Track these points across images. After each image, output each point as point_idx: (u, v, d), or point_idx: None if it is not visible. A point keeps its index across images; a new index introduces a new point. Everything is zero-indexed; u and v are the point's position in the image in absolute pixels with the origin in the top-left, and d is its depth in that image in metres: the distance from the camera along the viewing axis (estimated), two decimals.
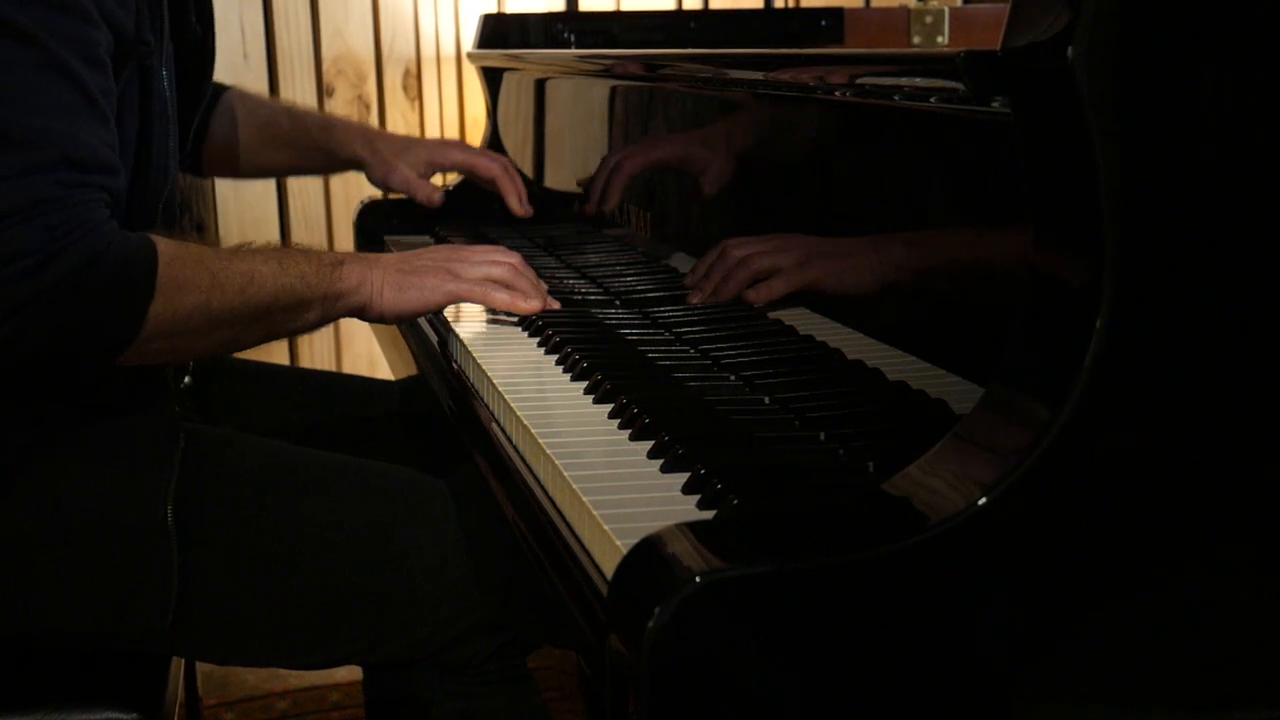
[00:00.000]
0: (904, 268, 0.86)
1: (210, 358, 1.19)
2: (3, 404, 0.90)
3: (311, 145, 1.36)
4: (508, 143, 1.72)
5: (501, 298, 1.07)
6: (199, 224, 2.06)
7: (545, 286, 1.12)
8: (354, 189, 2.16)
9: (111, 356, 0.86)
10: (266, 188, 2.19)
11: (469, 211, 1.56)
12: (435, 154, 1.39)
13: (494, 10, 2.22)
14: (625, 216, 1.34)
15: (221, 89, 1.33)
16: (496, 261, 1.08)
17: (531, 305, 1.08)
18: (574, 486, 0.74)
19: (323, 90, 2.19)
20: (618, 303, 1.17)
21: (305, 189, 2.20)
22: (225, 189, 2.15)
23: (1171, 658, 0.63)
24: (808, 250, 0.99)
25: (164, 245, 0.87)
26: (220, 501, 0.94)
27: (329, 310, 0.99)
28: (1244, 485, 0.63)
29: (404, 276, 1.02)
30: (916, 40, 1.33)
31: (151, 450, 0.92)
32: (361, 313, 1.02)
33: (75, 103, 0.83)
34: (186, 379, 1.12)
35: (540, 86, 1.60)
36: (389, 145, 1.37)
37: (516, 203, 1.38)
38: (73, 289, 0.81)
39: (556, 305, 1.11)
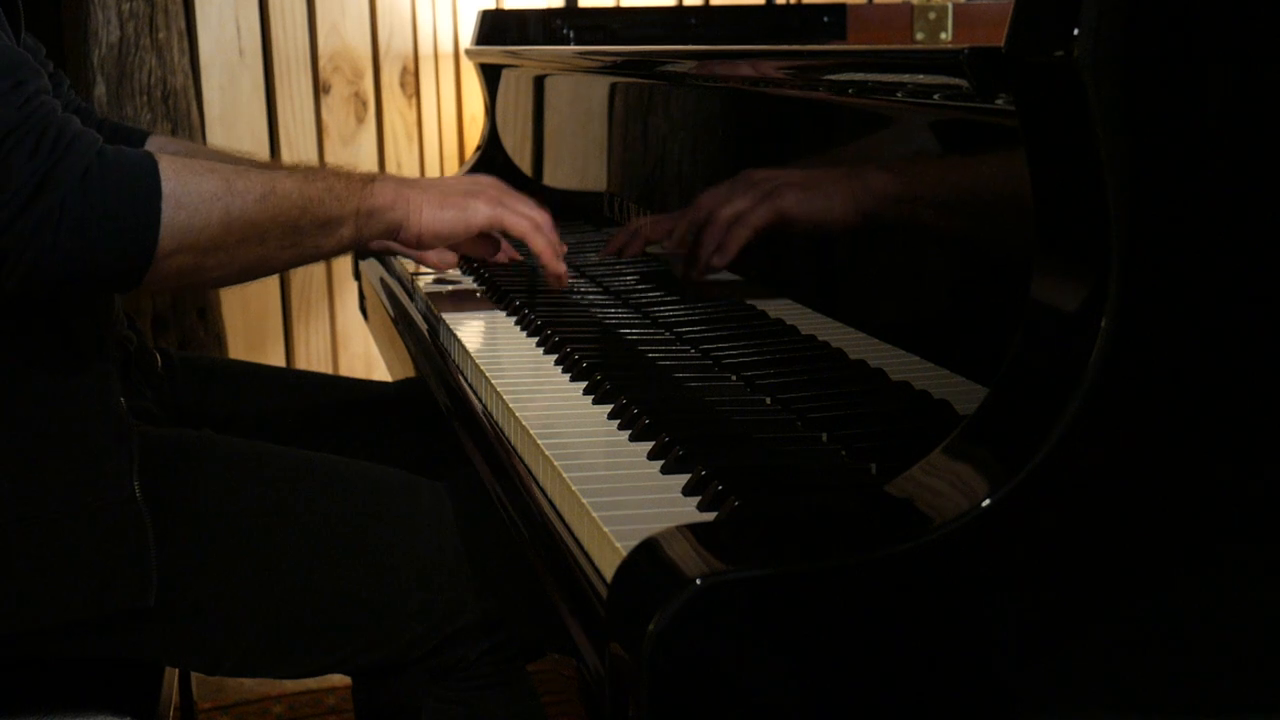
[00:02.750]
0: (892, 259, 0.85)
1: (200, 357, 1.17)
2: None
3: None
4: (506, 141, 1.71)
5: (542, 241, 1.04)
6: None
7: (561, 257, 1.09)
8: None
9: (134, 274, 0.81)
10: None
11: None
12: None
13: (492, 6, 2.21)
14: (625, 215, 1.33)
15: (142, 135, 1.25)
16: (537, 209, 1.05)
17: (560, 267, 1.05)
18: (573, 488, 0.73)
19: (319, 88, 2.18)
20: (618, 302, 1.17)
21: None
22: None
23: (1176, 660, 0.63)
24: (773, 182, 0.97)
25: (163, 157, 0.82)
26: (204, 501, 0.92)
27: (362, 227, 0.93)
28: (1248, 487, 0.62)
29: (445, 196, 0.98)
30: (920, 37, 1.32)
31: (107, 429, 0.88)
32: (398, 232, 0.97)
33: None
34: (160, 368, 1.09)
35: (539, 83, 1.59)
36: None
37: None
38: (79, 202, 0.76)
39: (566, 282, 1.09)
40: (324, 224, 0.90)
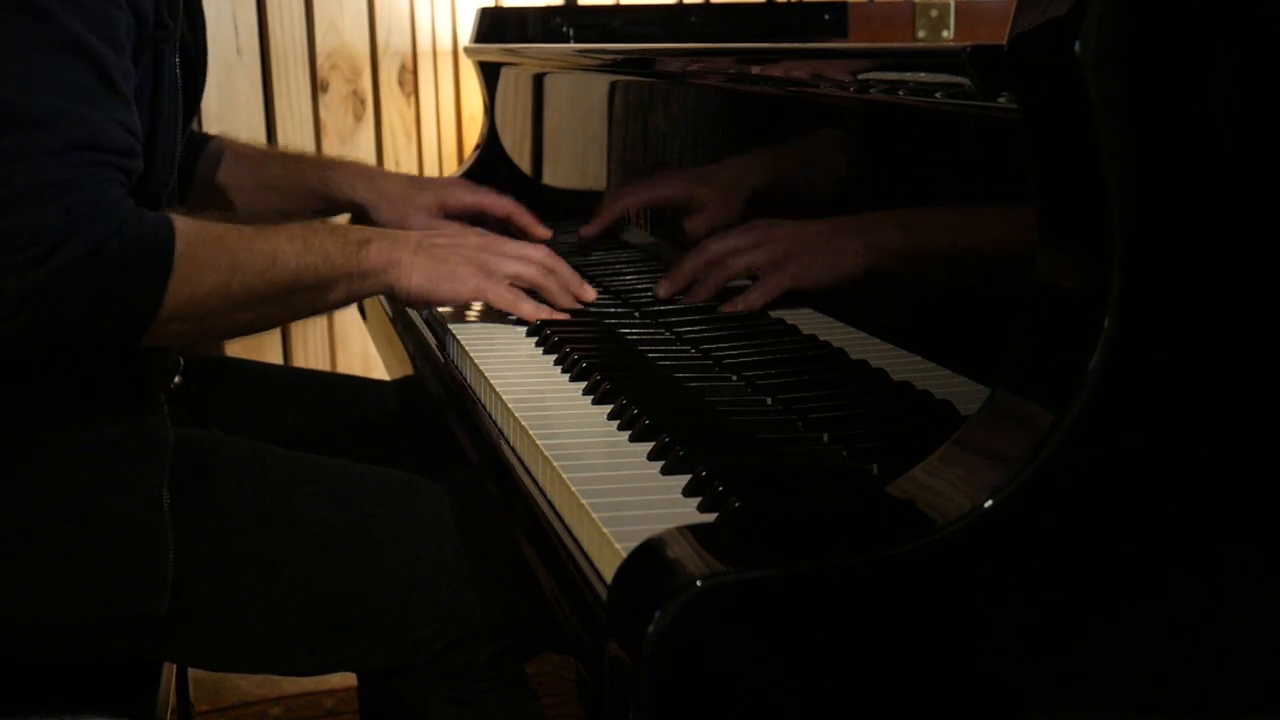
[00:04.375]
0: (894, 259, 0.85)
1: (202, 355, 1.18)
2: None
3: (307, 189, 1.32)
4: (505, 139, 1.71)
5: (528, 308, 1.06)
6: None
7: (577, 279, 1.10)
8: None
9: (131, 339, 0.85)
10: None
11: None
12: (445, 196, 1.34)
13: (491, 4, 2.21)
14: (625, 214, 1.33)
15: (207, 137, 1.30)
16: (528, 259, 1.07)
17: (567, 302, 1.07)
18: (573, 489, 0.73)
19: (316, 86, 2.17)
20: (618, 302, 1.16)
21: None
22: None
23: (1178, 661, 0.63)
24: (787, 245, 0.98)
25: (182, 224, 0.86)
26: (212, 504, 0.93)
27: (354, 289, 0.98)
28: (1250, 488, 0.62)
29: (436, 264, 1.01)
30: (921, 35, 1.32)
31: (144, 439, 0.91)
32: (389, 293, 1.01)
33: (94, 84, 0.83)
34: (177, 379, 1.11)
35: (538, 82, 1.59)
36: (394, 186, 1.33)
37: (539, 229, 1.35)
38: (89, 270, 0.80)
39: (591, 295, 1.09)
40: (318, 288, 0.95)
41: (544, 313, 1.07)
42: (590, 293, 1.10)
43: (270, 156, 1.35)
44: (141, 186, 0.93)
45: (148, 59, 0.92)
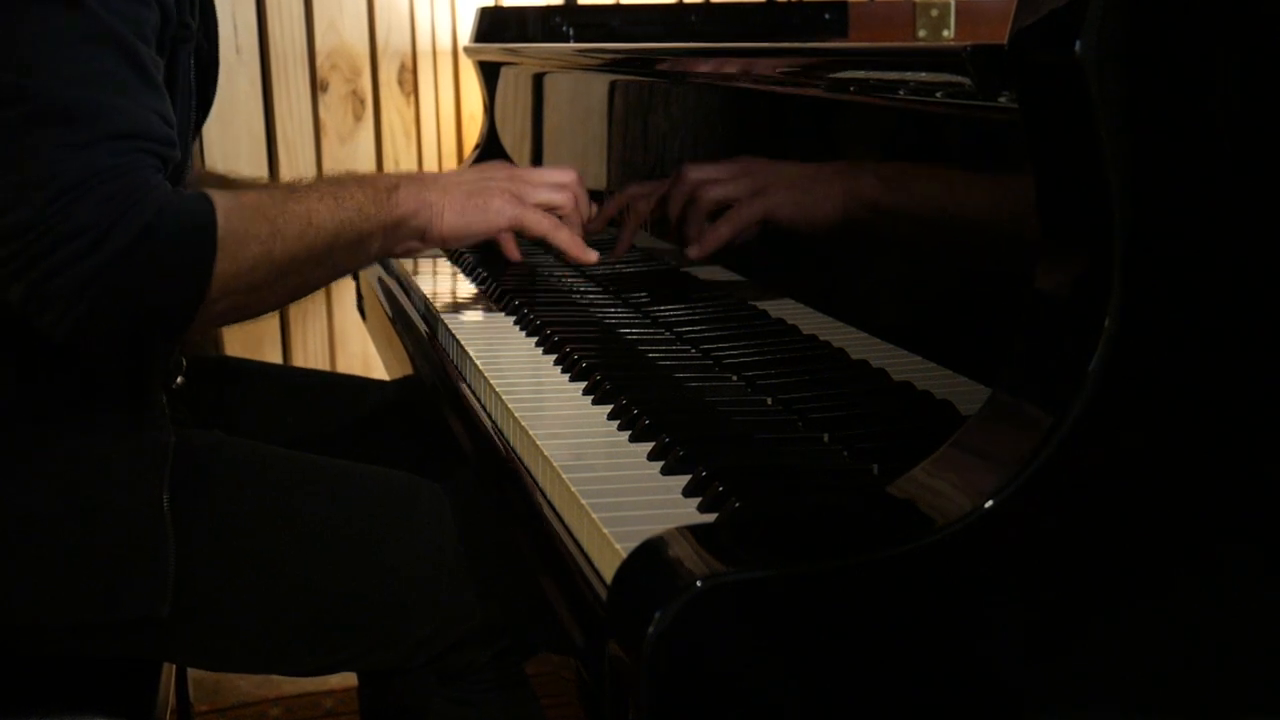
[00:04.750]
0: (894, 258, 0.85)
1: (203, 355, 1.17)
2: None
3: None
4: (505, 139, 1.71)
5: (564, 237, 1.04)
6: None
7: (595, 209, 1.09)
8: (348, 165, 2.15)
9: (184, 323, 0.84)
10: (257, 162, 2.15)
11: None
12: None
13: (491, 3, 2.21)
14: (624, 213, 1.32)
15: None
16: (560, 185, 1.05)
17: (590, 257, 1.06)
18: (572, 489, 0.73)
19: (316, 86, 2.17)
20: (618, 302, 1.16)
21: (295, 165, 2.18)
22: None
23: (1179, 662, 0.62)
24: (767, 177, 0.97)
25: (219, 199, 0.85)
26: (212, 504, 0.93)
27: (390, 239, 0.97)
28: (1251, 487, 0.62)
29: (466, 198, 1.00)
30: (922, 34, 1.32)
31: (145, 440, 0.91)
32: (421, 237, 0.99)
33: (129, 76, 0.82)
34: (179, 379, 1.11)
35: (538, 81, 1.59)
36: None
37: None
38: (136, 257, 0.79)
39: (594, 258, 1.08)
40: (356, 243, 0.94)
41: (578, 247, 1.04)
42: (593, 256, 1.07)
43: (274, 189, 1.33)
44: None
45: (162, 60, 0.92)
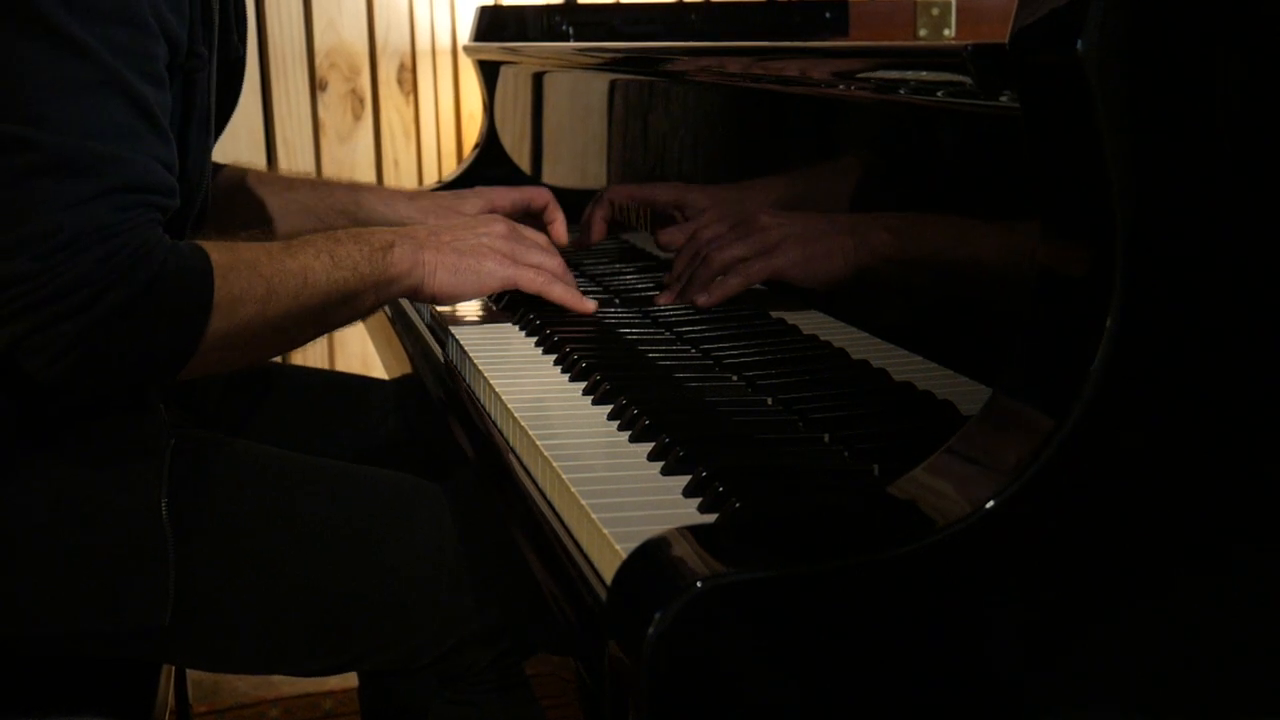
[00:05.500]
0: (894, 258, 0.84)
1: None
2: None
3: (337, 210, 1.29)
4: (505, 138, 1.71)
5: (559, 291, 1.06)
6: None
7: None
8: (345, 170, 2.15)
9: (172, 374, 0.86)
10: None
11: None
12: (494, 198, 1.32)
13: (491, 2, 2.20)
14: (624, 213, 1.32)
15: (219, 166, 1.27)
16: (551, 251, 1.07)
17: (587, 305, 1.07)
18: (572, 489, 0.73)
19: (315, 85, 2.17)
20: (617, 301, 1.16)
21: (294, 164, 2.18)
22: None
23: (1181, 663, 0.62)
24: (777, 235, 0.98)
25: (217, 256, 0.86)
26: (212, 506, 0.93)
27: (382, 296, 0.98)
28: (1253, 488, 0.62)
29: (459, 258, 1.01)
30: (923, 33, 1.31)
31: (143, 445, 0.91)
32: (414, 295, 1.01)
33: (133, 123, 0.82)
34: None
35: (538, 80, 1.59)
36: (437, 200, 1.31)
37: (562, 231, 1.33)
38: (132, 315, 0.81)
39: (592, 307, 1.09)
40: (348, 300, 0.95)
41: (574, 296, 1.06)
42: (591, 305, 1.10)
43: (295, 181, 1.33)
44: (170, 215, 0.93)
45: (178, 87, 0.91)
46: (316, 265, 0.91)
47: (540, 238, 1.09)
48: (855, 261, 0.90)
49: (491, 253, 1.02)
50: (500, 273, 1.02)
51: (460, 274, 1.00)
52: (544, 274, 1.05)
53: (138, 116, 0.83)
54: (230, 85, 1.11)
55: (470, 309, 1.20)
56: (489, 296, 1.25)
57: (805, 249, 0.94)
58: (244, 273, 0.87)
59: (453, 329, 1.10)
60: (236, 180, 1.26)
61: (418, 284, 0.99)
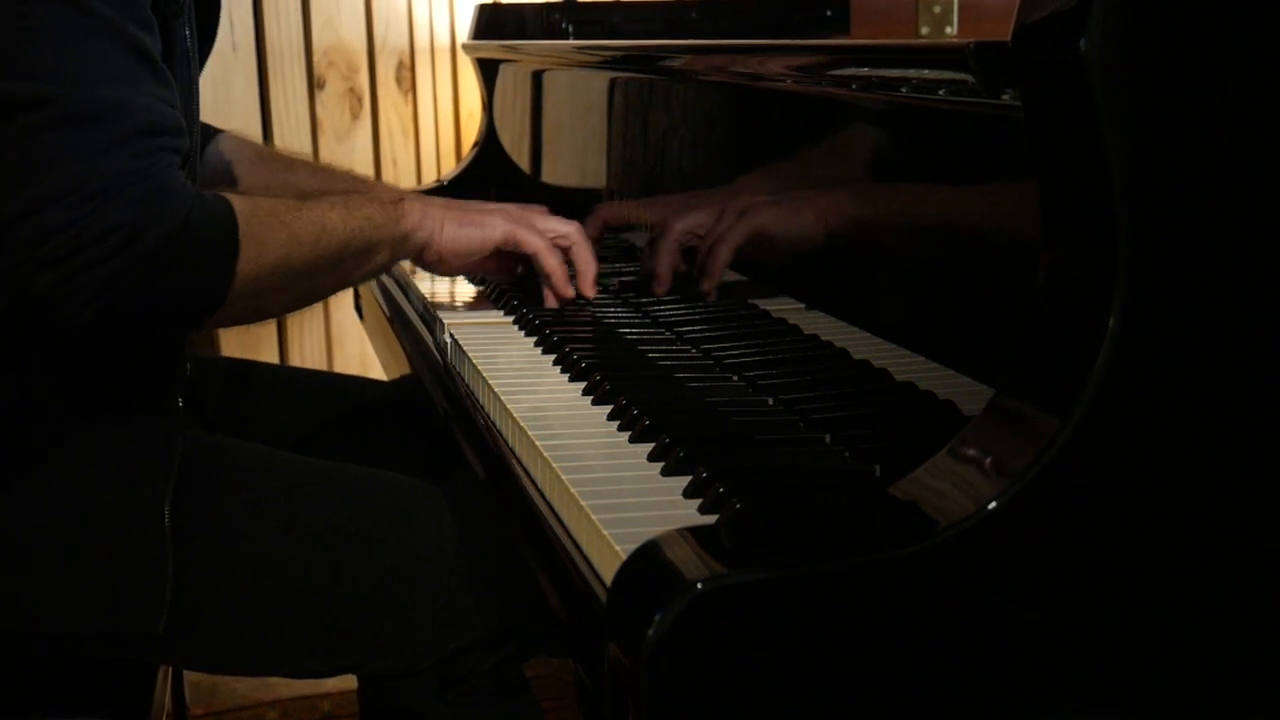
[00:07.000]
0: (895, 257, 0.84)
1: (202, 357, 1.17)
2: (4, 402, 0.89)
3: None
4: (504, 137, 1.71)
5: (554, 262, 1.07)
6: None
7: (595, 269, 1.11)
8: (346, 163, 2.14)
9: (198, 321, 0.86)
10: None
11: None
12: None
13: (489, 0, 2.20)
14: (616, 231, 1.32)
15: (216, 130, 1.28)
16: (563, 222, 1.08)
17: (568, 291, 1.09)
18: (572, 490, 0.73)
19: (313, 83, 2.16)
20: (617, 301, 1.16)
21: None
22: None
23: (1182, 664, 0.62)
24: (746, 195, 0.98)
25: (239, 203, 0.87)
26: (212, 508, 0.93)
27: (396, 250, 1.00)
28: (1256, 489, 0.62)
29: (464, 213, 1.03)
30: (924, 31, 1.31)
31: (152, 451, 0.92)
32: (422, 251, 1.02)
33: (135, 67, 0.83)
34: (189, 371, 1.11)
35: (537, 79, 1.58)
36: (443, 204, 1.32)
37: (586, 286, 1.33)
38: (162, 258, 0.81)
39: (590, 292, 1.10)
40: (365, 252, 0.96)
41: (561, 277, 1.06)
42: (570, 291, 1.10)
43: (296, 162, 1.33)
44: None
45: (158, 31, 0.92)
46: (333, 215, 0.93)
47: (550, 215, 1.09)
48: (856, 200, 0.90)
49: (499, 211, 1.04)
50: (504, 226, 1.03)
51: (465, 226, 1.02)
52: (545, 239, 1.06)
53: (139, 60, 0.84)
54: (206, 25, 1.11)
55: (469, 308, 1.20)
56: (480, 288, 1.26)
57: (779, 206, 0.95)
58: (265, 219, 0.88)
59: (451, 328, 1.10)
60: (236, 151, 1.27)
61: (427, 238, 1.00)
